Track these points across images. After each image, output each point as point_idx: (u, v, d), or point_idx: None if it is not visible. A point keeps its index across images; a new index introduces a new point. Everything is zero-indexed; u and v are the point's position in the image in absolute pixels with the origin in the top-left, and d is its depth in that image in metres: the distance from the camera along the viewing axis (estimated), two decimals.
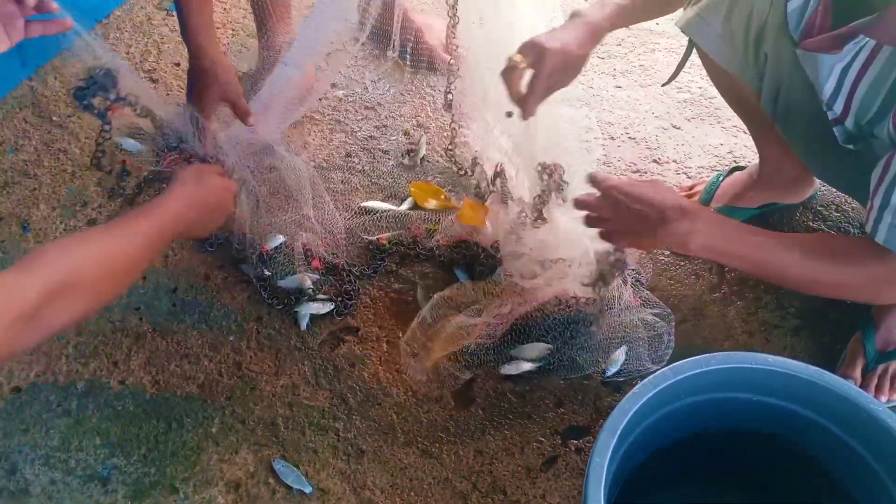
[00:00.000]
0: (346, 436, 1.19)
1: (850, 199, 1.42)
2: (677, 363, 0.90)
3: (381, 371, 1.26)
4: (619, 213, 1.00)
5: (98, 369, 1.25)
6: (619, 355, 1.23)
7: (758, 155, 1.35)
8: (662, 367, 1.20)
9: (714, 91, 1.60)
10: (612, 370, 1.22)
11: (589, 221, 1.07)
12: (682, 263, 1.36)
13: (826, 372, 0.88)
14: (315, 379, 1.25)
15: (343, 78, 1.67)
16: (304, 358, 1.27)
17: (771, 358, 0.90)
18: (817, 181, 1.41)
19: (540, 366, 1.23)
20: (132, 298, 1.34)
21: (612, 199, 1.01)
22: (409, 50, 1.66)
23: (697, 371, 0.89)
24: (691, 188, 1.45)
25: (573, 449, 1.17)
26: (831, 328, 1.27)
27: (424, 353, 1.23)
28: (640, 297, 1.29)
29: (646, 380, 0.88)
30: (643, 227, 0.98)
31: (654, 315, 1.25)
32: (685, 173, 1.49)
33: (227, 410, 1.21)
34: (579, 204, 1.06)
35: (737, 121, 1.56)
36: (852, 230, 1.39)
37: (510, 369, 1.23)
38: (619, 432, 0.85)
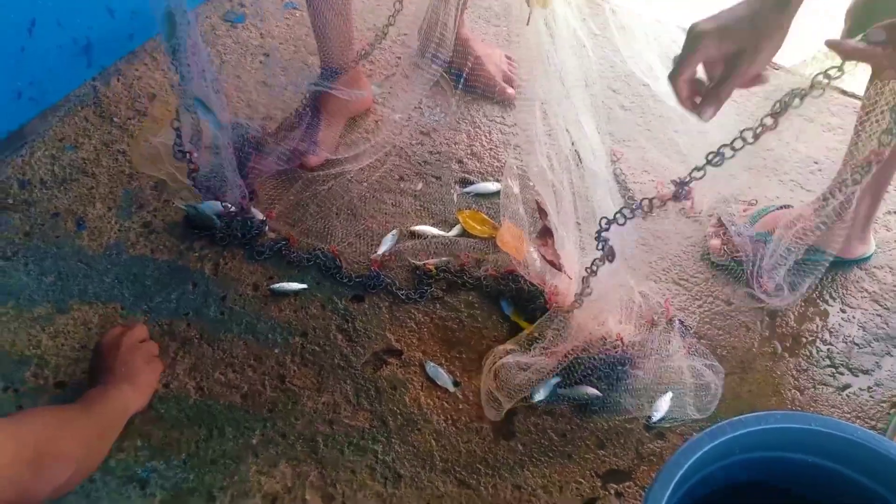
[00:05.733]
0: (384, 459, 1.18)
1: None
2: (735, 418, 0.88)
3: (422, 396, 1.25)
4: None
5: None
6: (665, 402, 1.22)
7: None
8: (706, 418, 1.21)
9: (773, 142, 1.60)
10: (657, 416, 1.21)
11: None
12: (732, 314, 1.35)
13: (886, 439, 0.87)
14: (356, 399, 1.25)
15: (400, 102, 1.68)
16: (346, 377, 1.27)
17: (831, 421, 0.89)
18: (874, 243, 1.40)
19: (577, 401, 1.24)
20: (181, 304, 1.35)
21: None
22: (467, 78, 1.68)
23: (756, 428, 0.88)
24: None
25: (613, 493, 1.16)
26: (882, 389, 1.26)
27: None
28: (687, 345, 1.28)
29: (703, 432, 0.87)
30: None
31: (703, 364, 1.25)
32: None
33: (268, 423, 1.21)
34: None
35: (794, 175, 1.56)
36: None
37: (541, 394, 1.23)
38: (672, 484, 0.84)
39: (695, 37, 0.92)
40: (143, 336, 1.23)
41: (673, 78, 0.96)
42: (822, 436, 0.88)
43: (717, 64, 0.94)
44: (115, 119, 1.62)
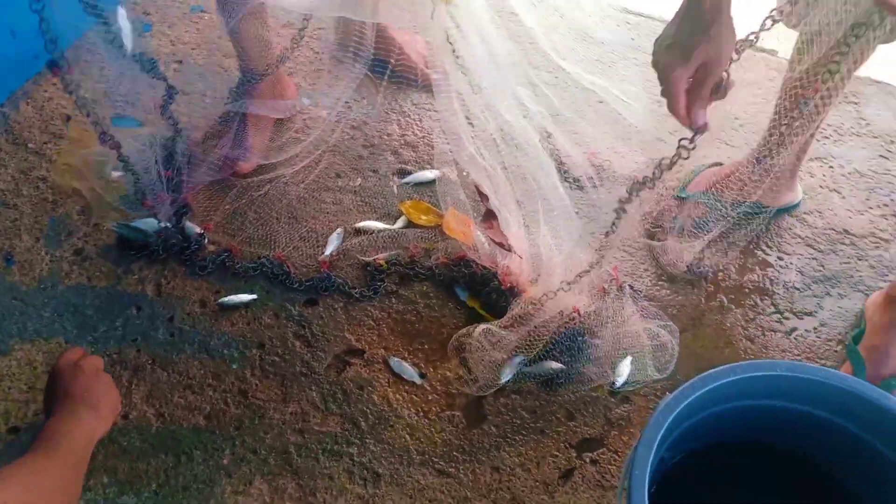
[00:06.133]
0: (360, 460, 1.18)
1: (832, 207, 1.48)
2: (705, 373, 0.91)
3: (390, 393, 1.25)
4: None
5: None
6: (625, 366, 1.26)
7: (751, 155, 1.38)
8: (667, 377, 1.25)
9: None
10: (620, 381, 1.24)
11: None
12: (677, 275, 1.39)
13: (854, 378, 0.91)
14: (324, 404, 1.23)
15: (328, 99, 1.65)
16: (310, 383, 1.25)
17: (796, 364, 0.92)
18: (801, 190, 1.46)
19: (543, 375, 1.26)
20: (128, 330, 1.30)
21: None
22: (391, 68, 1.66)
23: (724, 381, 0.91)
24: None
25: (588, 461, 1.19)
26: (826, 328, 1.32)
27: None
28: (640, 308, 1.31)
29: (677, 391, 0.90)
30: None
31: (658, 325, 1.28)
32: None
33: (237, 441, 1.18)
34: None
35: (718, 133, 1.61)
36: (835, 235, 1.44)
37: (507, 374, 1.24)
38: (655, 443, 0.86)
39: (662, 66, 0.97)
40: (101, 365, 1.16)
41: (671, 107, 1.00)
42: (788, 380, 0.92)
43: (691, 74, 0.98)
44: (29, 145, 1.54)
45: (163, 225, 1.35)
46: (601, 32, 1.85)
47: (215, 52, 1.74)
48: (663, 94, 1.00)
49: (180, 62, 1.72)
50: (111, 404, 1.11)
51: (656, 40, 0.99)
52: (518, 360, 1.25)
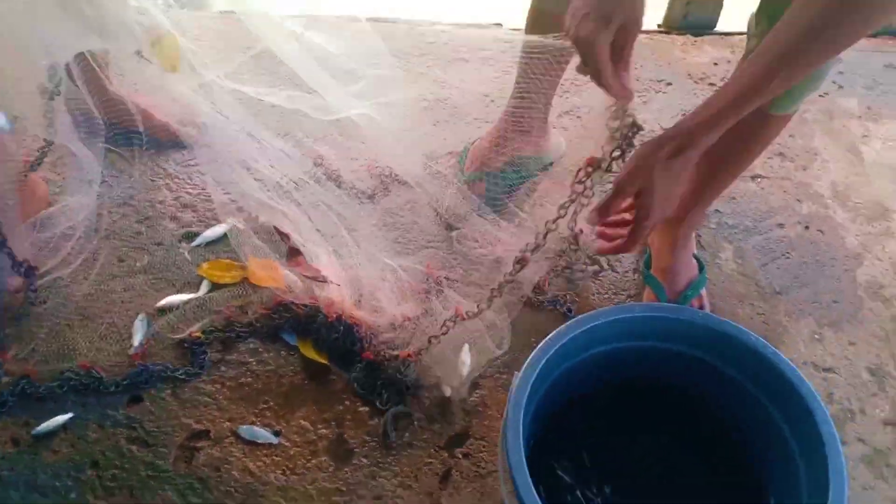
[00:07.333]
0: None
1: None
2: (576, 318, 0.99)
3: (249, 463, 1.20)
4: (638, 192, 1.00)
5: None
6: (466, 354, 1.30)
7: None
8: (506, 352, 1.31)
9: (445, 91, 1.73)
10: (466, 370, 1.29)
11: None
12: (482, 253, 1.46)
13: (704, 313, 1.03)
14: (184, 500, 1.16)
15: (78, 183, 1.53)
16: (162, 484, 1.17)
17: (656, 305, 1.03)
18: (563, 142, 1.59)
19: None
20: None
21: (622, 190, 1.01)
22: (145, 134, 1.58)
23: (592, 324, 1.00)
24: None
25: (461, 456, 1.22)
26: (620, 265, 1.45)
27: None
28: (462, 296, 1.36)
29: (546, 339, 0.97)
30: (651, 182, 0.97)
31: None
32: None
33: None
34: (603, 211, 1.04)
35: (476, 114, 1.70)
36: None
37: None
38: (527, 392, 0.93)
39: (583, 37, 0.96)
40: None
41: (599, 78, 0.99)
42: (644, 320, 1.02)
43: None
44: None
45: None
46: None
47: None
48: (586, 66, 0.99)
49: None
50: None
51: (570, 13, 0.97)
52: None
